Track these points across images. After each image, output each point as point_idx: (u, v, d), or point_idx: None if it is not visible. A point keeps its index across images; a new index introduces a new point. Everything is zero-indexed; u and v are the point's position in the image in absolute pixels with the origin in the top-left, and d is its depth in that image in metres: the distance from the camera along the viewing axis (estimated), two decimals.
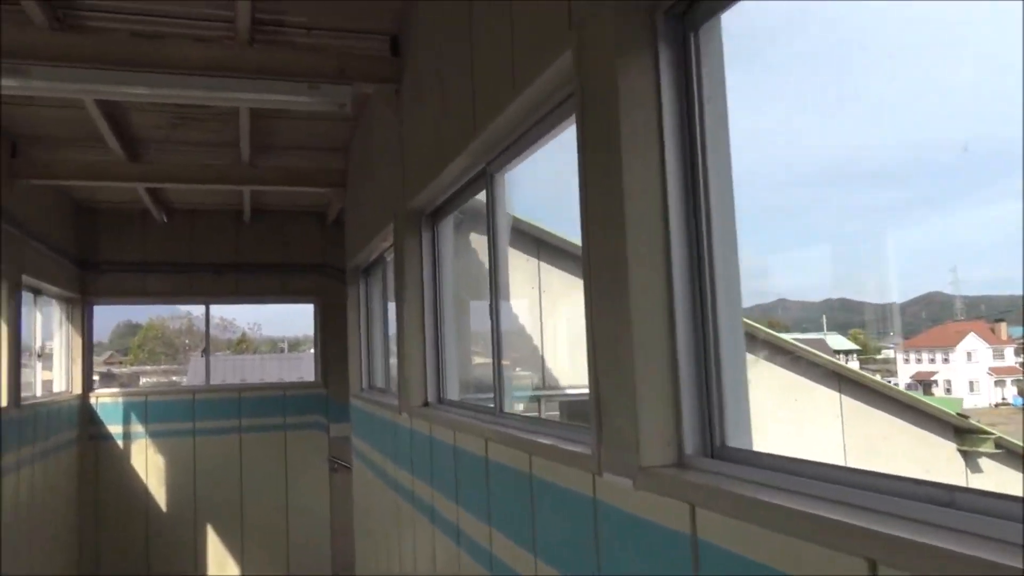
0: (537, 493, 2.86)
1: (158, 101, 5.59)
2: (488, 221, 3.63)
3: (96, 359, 12.32)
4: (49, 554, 8.33)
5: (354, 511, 8.18)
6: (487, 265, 3.66)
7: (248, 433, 10.40)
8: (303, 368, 15.64)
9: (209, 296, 10.48)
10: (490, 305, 3.59)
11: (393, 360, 6.68)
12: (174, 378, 15.01)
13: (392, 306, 6.64)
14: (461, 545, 3.87)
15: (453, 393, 4.78)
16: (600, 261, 2.29)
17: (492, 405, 3.66)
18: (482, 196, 3.76)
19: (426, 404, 4.82)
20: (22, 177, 7.07)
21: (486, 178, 3.67)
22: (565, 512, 2.60)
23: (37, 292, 8.44)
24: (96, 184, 8.18)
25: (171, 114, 6.76)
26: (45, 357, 9.33)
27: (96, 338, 11.43)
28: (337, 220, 10.71)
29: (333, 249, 10.86)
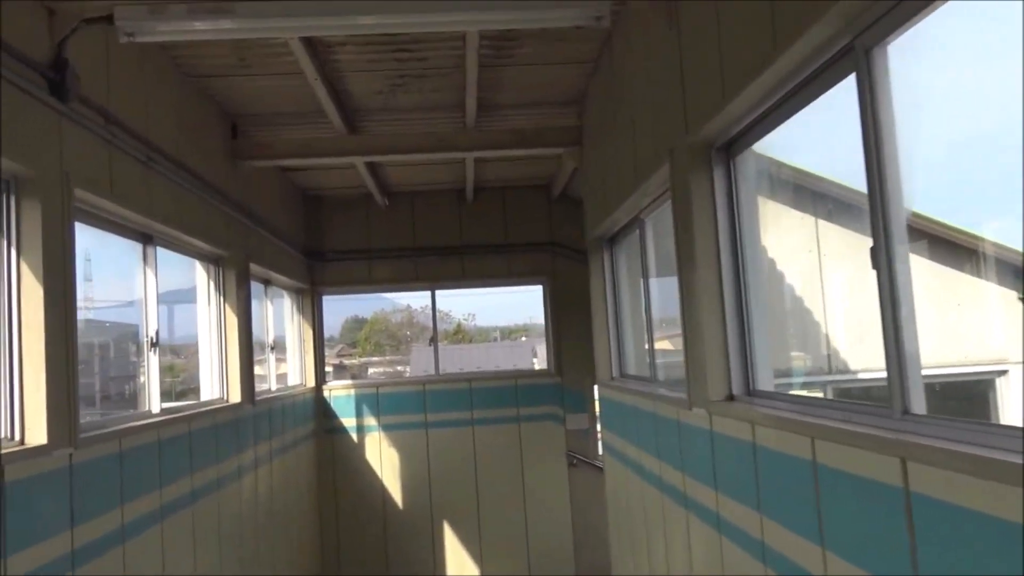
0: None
1: (381, 32, 4.78)
2: None
3: (328, 352, 12.32)
4: (293, 555, 8.05)
5: (609, 511, 7.16)
6: None
7: (481, 425, 9.72)
8: (518, 354, 14.94)
9: (434, 281, 9.90)
10: None
11: (658, 345, 5.56)
12: (399, 368, 14.89)
13: (654, 280, 5.51)
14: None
15: (766, 383, 3.57)
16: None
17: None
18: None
19: (731, 398, 3.64)
20: (244, 158, 6.65)
21: None
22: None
23: (267, 282, 8.15)
24: (317, 163, 7.72)
25: (391, 74, 6.02)
26: (278, 349, 9.11)
27: (327, 333, 11.41)
28: (563, 194, 9.77)
29: (561, 225, 9.93)
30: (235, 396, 6.35)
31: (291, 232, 8.77)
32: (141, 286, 5.08)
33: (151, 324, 5.10)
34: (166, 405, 5.24)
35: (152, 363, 5.05)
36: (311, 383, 9.47)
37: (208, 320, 6.32)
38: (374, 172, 8.70)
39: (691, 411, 4.02)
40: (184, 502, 5.10)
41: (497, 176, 9.42)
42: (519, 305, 10.21)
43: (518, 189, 9.93)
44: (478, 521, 9.62)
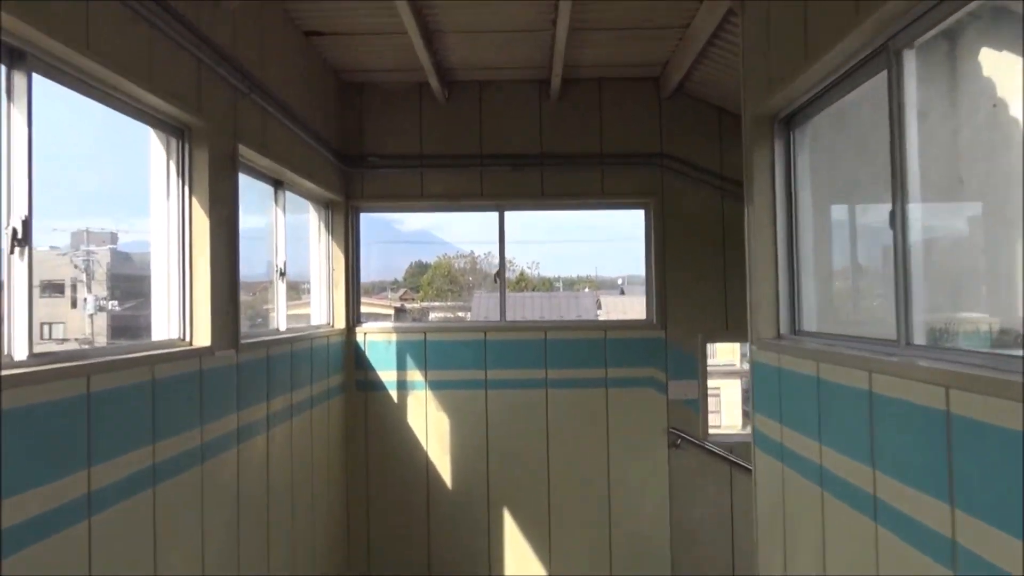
0: None
1: None
2: None
3: (392, 295, 10.73)
4: (312, 546, 6.03)
5: (757, 508, 4.88)
6: None
7: (557, 388, 7.51)
8: (583, 306, 13.29)
9: (504, 199, 7.62)
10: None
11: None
12: (460, 314, 13.19)
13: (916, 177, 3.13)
14: None
15: None
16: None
17: None
18: None
19: None
20: None
21: None
22: None
23: (278, 184, 5.98)
24: (359, 31, 5.47)
25: None
26: (300, 280, 7.01)
27: (391, 275, 10.17)
28: (680, 89, 7.34)
29: (674, 133, 7.53)
30: (202, 338, 4.24)
31: (316, 122, 6.57)
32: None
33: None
34: None
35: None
36: (339, 323, 7.36)
37: (167, 219, 4.19)
38: (431, 46, 6.43)
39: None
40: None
41: (595, 61, 7.04)
42: (585, 256, 8.22)
43: (620, 82, 7.53)
44: (548, 510, 7.46)
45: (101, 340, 4.86)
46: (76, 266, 5.59)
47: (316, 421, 6.43)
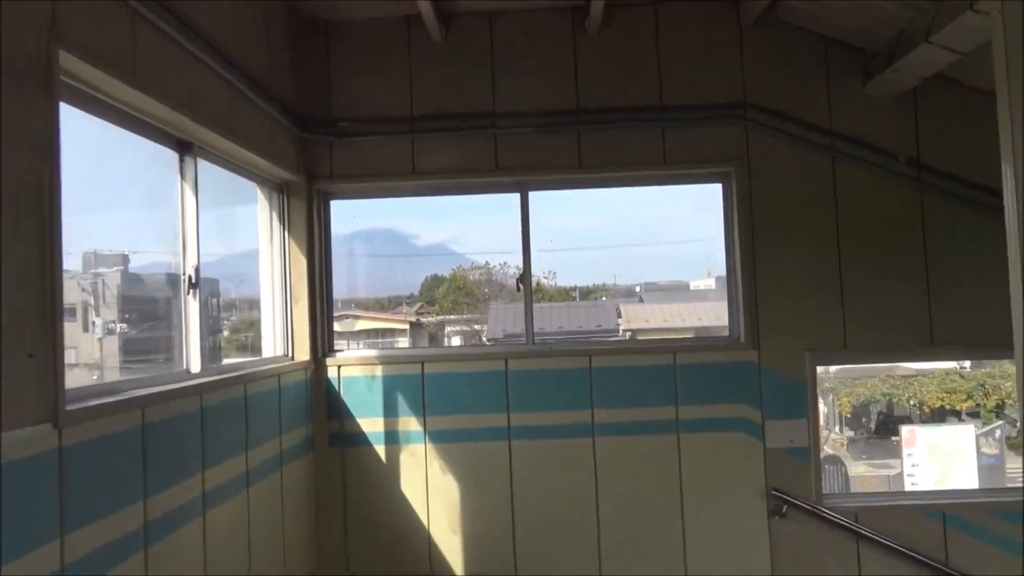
0: None
1: None
2: None
3: (408, 309, 9.36)
4: None
5: None
6: None
7: (608, 435, 5.36)
8: (602, 315, 11.43)
9: (527, 173, 5.49)
10: None
11: None
12: (476, 327, 11.41)
13: None
14: None
15: None
16: None
17: None
18: None
19: None
20: None
21: None
22: None
23: (184, 147, 3.87)
24: None
25: None
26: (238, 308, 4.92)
27: (406, 290, 9.29)
28: (770, 12, 5.23)
29: (762, 73, 5.42)
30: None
31: (257, 66, 4.47)
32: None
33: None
34: None
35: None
36: (302, 354, 5.24)
37: None
38: None
39: None
40: None
41: None
42: (598, 262, 6.42)
43: (684, 5, 5.41)
44: None
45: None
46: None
47: (261, 501, 4.30)
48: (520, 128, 5.39)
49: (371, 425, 5.38)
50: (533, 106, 5.41)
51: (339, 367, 5.42)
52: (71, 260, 2.93)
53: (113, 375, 3.68)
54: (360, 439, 5.37)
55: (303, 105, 5.30)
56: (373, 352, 5.57)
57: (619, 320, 10.63)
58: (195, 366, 3.86)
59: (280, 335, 5.15)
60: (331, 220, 5.57)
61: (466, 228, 7.25)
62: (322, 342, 5.45)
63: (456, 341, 9.46)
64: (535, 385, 5.39)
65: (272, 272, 5.15)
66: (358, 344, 7.79)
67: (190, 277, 3.87)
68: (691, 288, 8.82)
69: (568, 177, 5.51)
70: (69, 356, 2.67)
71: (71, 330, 2.93)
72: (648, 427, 5.35)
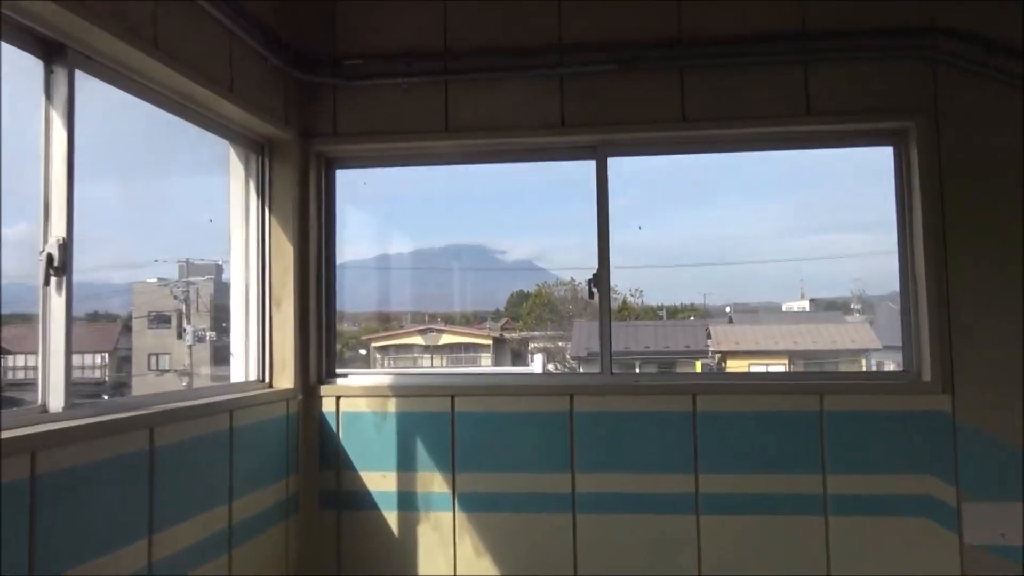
0: None
1: None
2: None
3: (493, 324, 8.60)
4: None
5: None
6: None
7: (718, 514, 3.67)
8: (690, 337, 10.22)
9: (605, 130, 3.85)
10: None
11: None
12: (560, 344, 10.49)
13: None
14: None
15: None
16: None
17: None
18: None
19: None
20: None
21: None
22: None
23: (52, 50, 2.42)
24: None
25: None
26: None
27: (492, 305, 8.81)
28: None
29: None
30: None
31: None
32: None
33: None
34: None
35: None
36: (284, 381, 3.75)
37: None
38: None
39: None
40: None
41: None
42: (688, 282, 5.22)
43: None
44: None
45: None
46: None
47: None
48: (596, 65, 3.78)
49: (379, 482, 3.83)
50: (615, 36, 3.80)
51: (338, 398, 3.90)
52: None
53: None
54: (363, 500, 3.82)
55: (296, 36, 3.84)
56: (385, 379, 4.00)
57: (708, 342, 9.57)
58: (55, 401, 2.39)
59: (253, 355, 3.66)
60: (336, 192, 4.08)
61: (553, 244, 6.80)
62: (318, 364, 3.94)
63: (539, 359, 8.61)
64: (612, 433, 3.74)
65: (246, 264, 3.69)
66: (441, 360, 7.13)
67: (50, 256, 2.41)
68: (783, 310, 8.03)
69: (665, 135, 3.84)
70: None
71: None
72: (780, 504, 3.62)
